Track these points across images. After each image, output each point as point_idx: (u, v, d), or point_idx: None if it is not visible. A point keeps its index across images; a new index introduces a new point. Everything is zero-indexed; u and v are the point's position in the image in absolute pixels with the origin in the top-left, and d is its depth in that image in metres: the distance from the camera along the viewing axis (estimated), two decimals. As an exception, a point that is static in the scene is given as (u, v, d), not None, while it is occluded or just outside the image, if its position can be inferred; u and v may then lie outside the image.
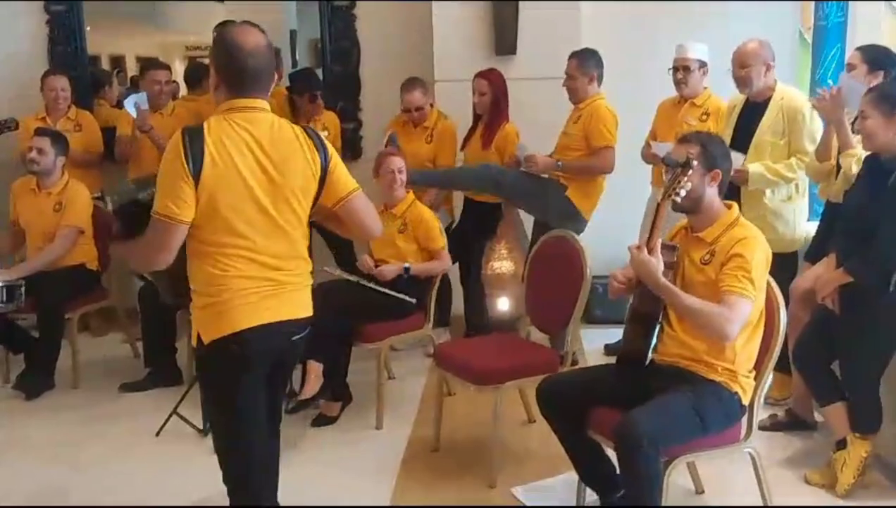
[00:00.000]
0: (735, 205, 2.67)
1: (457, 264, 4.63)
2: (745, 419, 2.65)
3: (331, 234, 4.37)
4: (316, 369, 3.60)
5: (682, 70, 4.16)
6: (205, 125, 2.15)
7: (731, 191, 3.73)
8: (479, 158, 4.49)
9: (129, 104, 4.56)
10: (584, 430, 2.69)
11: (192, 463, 3.38)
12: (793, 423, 3.54)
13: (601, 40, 4.67)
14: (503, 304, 4.53)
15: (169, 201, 2.09)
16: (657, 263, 2.51)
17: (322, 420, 3.75)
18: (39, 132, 4.35)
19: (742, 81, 3.74)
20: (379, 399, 3.74)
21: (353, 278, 3.84)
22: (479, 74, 4.51)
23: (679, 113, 4.25)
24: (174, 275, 2.39)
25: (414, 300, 3.76)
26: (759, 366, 2.63)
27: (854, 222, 2.97)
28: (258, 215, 2.17)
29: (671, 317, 2.64)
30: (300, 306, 2.30)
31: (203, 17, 5.45)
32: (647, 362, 2.65)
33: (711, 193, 2.59)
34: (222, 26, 2.32)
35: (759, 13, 4.89)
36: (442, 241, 3.90)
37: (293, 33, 5.53)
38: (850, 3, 4.23)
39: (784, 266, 3.42)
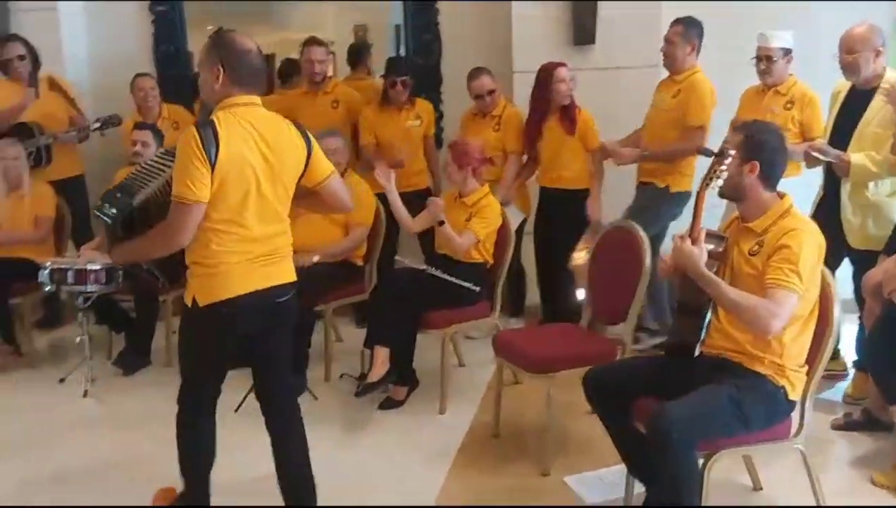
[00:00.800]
0: (788, 196, 2.60)
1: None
2: (796, 415, 2.59)
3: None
4: (383, 354, 3.72)
5: (764, 60, 4.04)
6: (215, 119, 2.46)
7: (833, 187, 3.67)
8: (562, 145, 4.48)
9: None
10: (629, 420, 2.69)
11: (266, 438, 3.55)
12: (867, 423, 3.41)
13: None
14: (580, 294, 4.53)
15: (189, 184, 2.38)
16: (700, 253, 2.49)
17: (389, 404, 3.88)
18: (140, 126, 4.66)
19: (849, 68, 3.59)
20: (443, 385, 3.83)
21: (420, 266, 3.95)
22: (559, 65, 4.49)
23: (763, 101, 4.13)
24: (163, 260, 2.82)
25: (478, 289, 3.83)
26: (811, 361, 2.56)
27: None
28: (258, 198, 2.49)
29: (719, 309, 2.60)
30: (285, 272, 2.64)
31: (316, 16, 5.68)
32: (696, 353, 2.63)
33: (751, 182, 2.54)
34: (222, 32, 2.60)
35: (854, 4, 4.65)
36: (481, 230, 3.89)
37: (398, 28, 5.67)
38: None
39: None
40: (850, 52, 3.54)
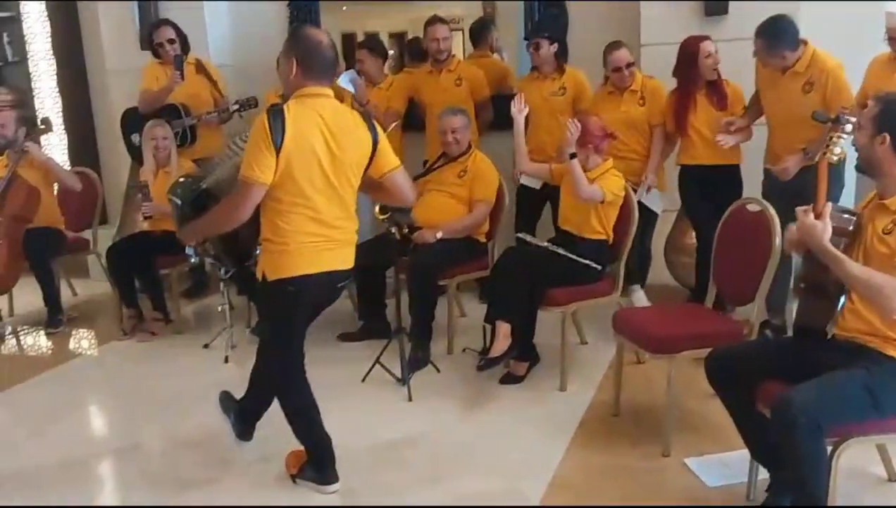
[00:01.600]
0: (932, 172, 2.44)
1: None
2: (933, 405, 2.44)
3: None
4: (505, 329, 3.74)
5: (894, 40, 3.77)
6: (285, 107, 2.66)
7: None
8: (716, 122, 4.31)
9: (345, 81, 4.96)
10: (753, 404, 2.61)
11: (389, 407, 3.72)
12: None
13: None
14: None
15: (255, 166, 2.63)
16: (824, 227, 2.38)
17: (509, 379, 3.92)
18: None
19: None
20: (563, 362, 3.83)
21: (543, 244, 3.96)
22: (703, 38, 4.34)
23: (892, 72, 3.86)
24: (229, 244, 3.33)
25: (599, 267, 3.80)
26: (949, 347, 2.40)
27: None
28: (323, 182, 2.71)
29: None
30: (347, 259, 2.87)
31: None
32: (829, 336, 2.52)
33: (884, 155, 2.40)
34: (299, 27, 2.88)
35: None
36: (608, 191, 3.83)
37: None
38: None
39: None
40: None
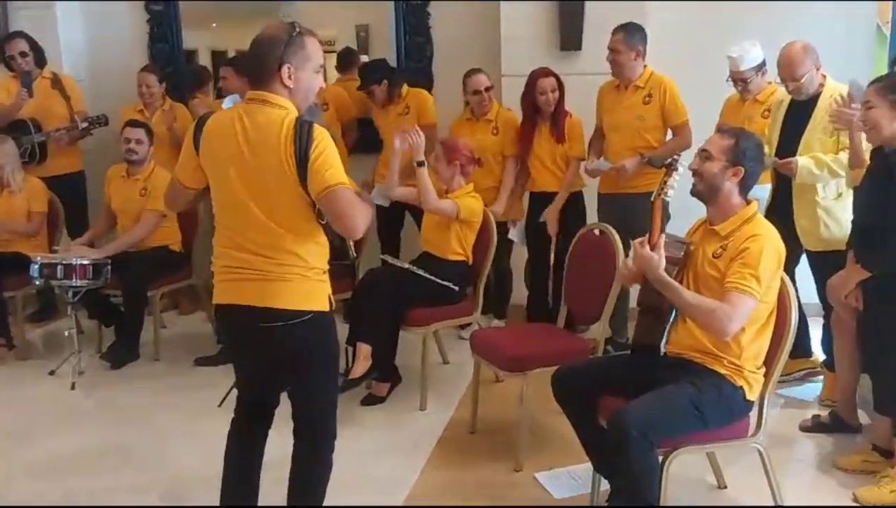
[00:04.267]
0: (755, 202, 2.68)
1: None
2: (754, 415, 2.66)
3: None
4: (364, 350, 3.78)
5: (740, 82, 4.12)
6: (215, 113, 2.44)
7: (785, 191, 3.74)
8: (553, 153, 4.55)
9: (228, 103, 4.89)
10: (594, 418, 2.76)
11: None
12: (836, 425, 3.48)
13: (669, 33, 4.70)
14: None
15: (178, 164, 2.49)
16: (658, 258, 2.57)
17: (371, 400, 3.95)
18: (132, 123, 4.74)
19: (798, 90, 3.65)
20: (423, 382, 3.90)
21: (405, 265, 4.03)
22: (547, 73, 4.54)
23: (742, 110, 4.20)
24: None
25: (457, 288, 3.91)
26: (768, 363, 2.63)
27: (865, 217, 2.95)
28: (236, 201, 2.32)
29: (682, 310, 2.68)
30: (277, 296, 2.33)
31: (319, 15, 5.75)
32: (661, 353, 2.71)
33: (730, 186, 2.62)
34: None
35: (837, 7, 4.74)
36: (463, 207, 3.93)
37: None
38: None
39: (837, 264, 3.37)
40: (795, 80, 3.60)
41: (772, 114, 3.96)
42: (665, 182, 2.63)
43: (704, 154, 2.65)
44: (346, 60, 5.68)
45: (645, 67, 4.35)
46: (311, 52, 2.37)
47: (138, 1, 5.77)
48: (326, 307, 2.43)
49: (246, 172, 2.30)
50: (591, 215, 4.60)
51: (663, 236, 2.66)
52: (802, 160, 3.59)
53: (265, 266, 2.33)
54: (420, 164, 3.92)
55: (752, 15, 4.79)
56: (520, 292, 4.98)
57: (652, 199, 2.67)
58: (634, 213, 3.91)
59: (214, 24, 6.03)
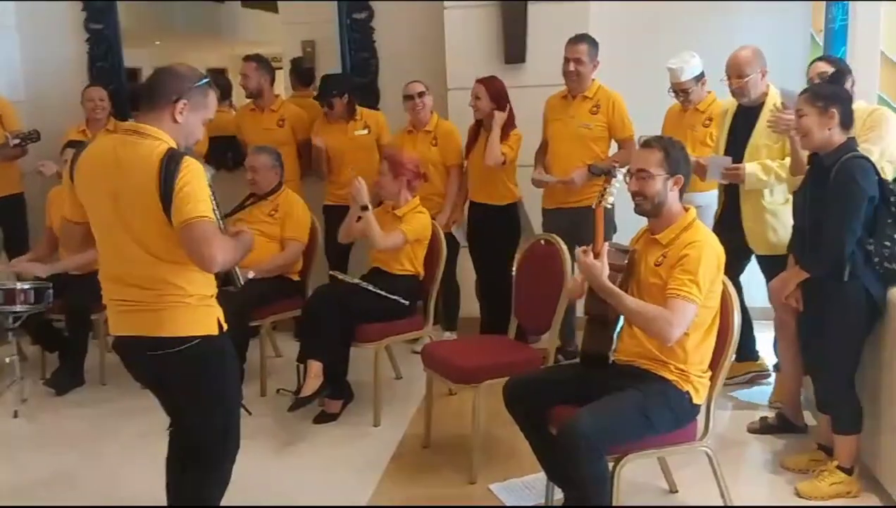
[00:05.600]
0: (693, 209, 2.73)
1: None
2: (701, 419, 2.71)
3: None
4: (315, 368, 3.75)
5: (681, 93, 4.21)
6: (91, 143, 2.46)
7: (733, 196, 3.82)
8: (486, 166, 4.55)
9: None
10: (546, 428, 2.77)
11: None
12: (782, 426, 3.55)
13: (609, 46, 4.78)
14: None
15: (64, 205, 2.47)
16: (602, 267, 2.60)
17: (324, 418, 3.92)
18: (71, 144, 4.63)
19: (740, 92, 3.75)
20: (376, 397, 3.89)
21: (355, 280, 4.01)
22: (478, 81, 4.58)
23: (684, 119, 4.29)
24: None
25: (407, 303, 3.90)
26: (713, 366, 2.68)
27: (803, 220, 3.03)
28: (112, 233, 2.35)
29: (628, 318, 2.72)
30: (160, 325, 2.35)
31: (265, 31, 5.74)
32: (610, 360, 2.74)
33: (673, 197, 2.67)
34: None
35: (772, 16, 4.88)
36: (410, 232, 3.94)
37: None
38: (851, 3, 4.19)
39: (785, 267, 3.45)
40: (741, 77, 3.70)
41: (718, 122, 4.05)
42: (605, 190, 2.66)
43: (643, 174, 2.65)
44: (304, 75, 5.64)
45: (593, 80, 4.40)
46: (209, 103, 2.45)
47: (82, 11, 5.66)
48: (215, 331, 2.43)
49: (120, 203, 2.32)
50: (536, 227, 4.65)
51: (607, 244, 2.69)
52: (750, 167, 3.67)
53: (145, 297, 2.34)
54: (364, 208, 3.87)
55: (691, 25, 4.91)
56: (473, 305, 5.00)
57: (593, 207, 2.70)
58: (586, 225, 3.92)
59: (158, 42, 5.97)
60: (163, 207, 2.25)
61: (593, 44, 4.34)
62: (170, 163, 2.26)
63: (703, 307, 2.57)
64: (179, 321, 2.36)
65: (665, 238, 2.67)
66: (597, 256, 2.63)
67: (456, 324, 4.96)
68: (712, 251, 2.59)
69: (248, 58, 5.01)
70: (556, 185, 4.40)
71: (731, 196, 3.88)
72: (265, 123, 4.99)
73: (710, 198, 4.16)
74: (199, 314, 2.40)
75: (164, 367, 2.40)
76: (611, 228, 4.19)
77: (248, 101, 5.12)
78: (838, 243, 2.85)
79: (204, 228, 2.26)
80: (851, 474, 3.01)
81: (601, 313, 2.71)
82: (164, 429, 3.73)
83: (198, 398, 2.48)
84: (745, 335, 4.08)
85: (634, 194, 2.69)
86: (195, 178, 2.28)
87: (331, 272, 4.25)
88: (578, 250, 2.67)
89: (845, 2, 4.30)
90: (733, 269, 3.60)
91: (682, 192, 2.69)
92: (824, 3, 4.63)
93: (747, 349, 4.14)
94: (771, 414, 3.64)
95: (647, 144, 2.74)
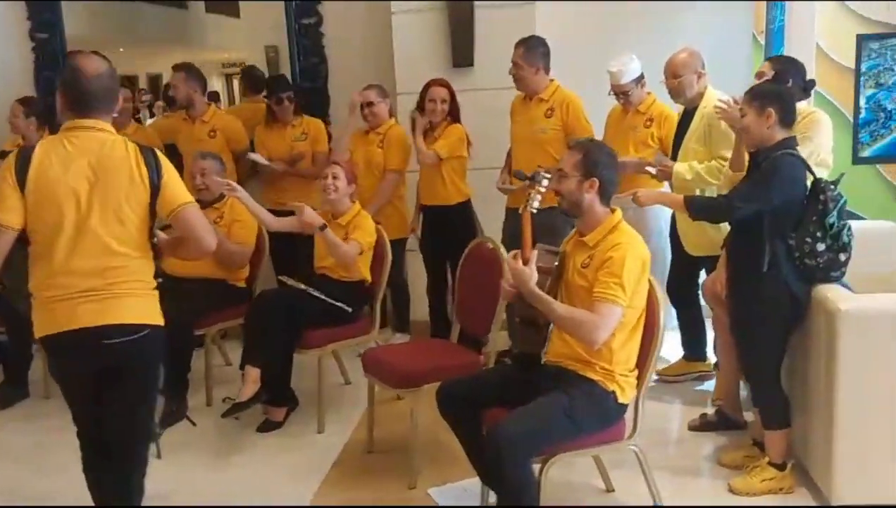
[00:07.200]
0: (619, 211, 2.74)
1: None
2: (629, 418, 2.72)
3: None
4: (253, 374, 3.72)
5: (622, 95, 4.23)
6: (38, 144, 2.44)
7: None
8: (440, 167, 4.55)
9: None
10: (479, 431, 2.78)
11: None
12: (722, 422, 3.58)
13: (555, 49, 4.81)
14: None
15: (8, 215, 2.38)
16: (530, 272, 2.61)
17: (268, 426, 3.88)
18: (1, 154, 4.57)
19: (675, 91, 3.82)
20: (320, 404, 3.87)
21: (300, 286, 3.97)
22: (441, 83, 4.60)
23: (626, 120, 4.32)
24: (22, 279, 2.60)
25: (350, 308, 3.88)
26: (640, 365, 2.70)
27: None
28: (79, 230, 2.39)
29: (558, 320, 2.72)
30: (116, 312, 2.42)
31: (230, 38, 5.72)
32: (542, 362, 2.75)
33: (590, 198, 2.68)
34: (70, 55, 2.55)
35: (715, 16, 4.93)
36: (364, 240, 3.93)
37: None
38: (788, 3, 4.25)
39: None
40: (675, 77, 3.76)
41: (661, 123, 4.11)
42: (529, 195, 2.67)
43: (560, 173, 2.69)
44: (255, 82, 5.59)
45: (551, 81, 4.37)
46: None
47: (27, 20, 5.57)
48: (162, 322, 2.54)
49: (94, 195, 2.38)
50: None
51: (535, 249, 2.70)
52: (677, 166, 3.72)
53: (107, 286, 2.40)
54: (322, 228, 3.83)
55: (636, 28, 4.94)
56: (425, 308, 4.99)
57: (520, 212, 2.71)
58: (541, 227, 3.93)
59: (122, 49, 5.90)
60: (150, 195, 2.44)
61: (532, 47, 4.32)
62: (148, 154, 2.47)
63: (629, 308, 2.59)
64: (138, 308, 2.47)
65: (592, 240, 2.68)
66: (526, 261, 2.63)
67: (407, 326, 4.95)
68: (636, 253, 2.60)
69: (176, 67, 4.96)
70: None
71: None
72: (197, 133, 4.91)
73: None
74: (153, 304, 2.53)
75: (110, 354, 2.44)
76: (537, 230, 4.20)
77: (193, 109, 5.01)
78: (731, 201, 2.93)
79: (197, 210, 2.56)
80: (784, 469, 3.04)
81: (530, 317, 2.72)
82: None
83: (144, 388, 2.58)
84: (697, 337, 4.15)
85: (555, 193, 2.72)
86: (171, 167, 2.53)
87: (279, 277, 4.22)
88: (508, 255, 2.68)
89: (783, 2, 4.37)
90: (690, 266, 3.66)
91: (603, 195, 2.69)
92: (765, 3, 4.69)
93: (698, 350, 4.18)
94: (711, 411, 3.67)
95: (571, 145, 2.78)
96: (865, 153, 5.28)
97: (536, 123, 4.36)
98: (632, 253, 2.58)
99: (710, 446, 3.50)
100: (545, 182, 2.70)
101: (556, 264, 2.74)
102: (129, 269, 2.44)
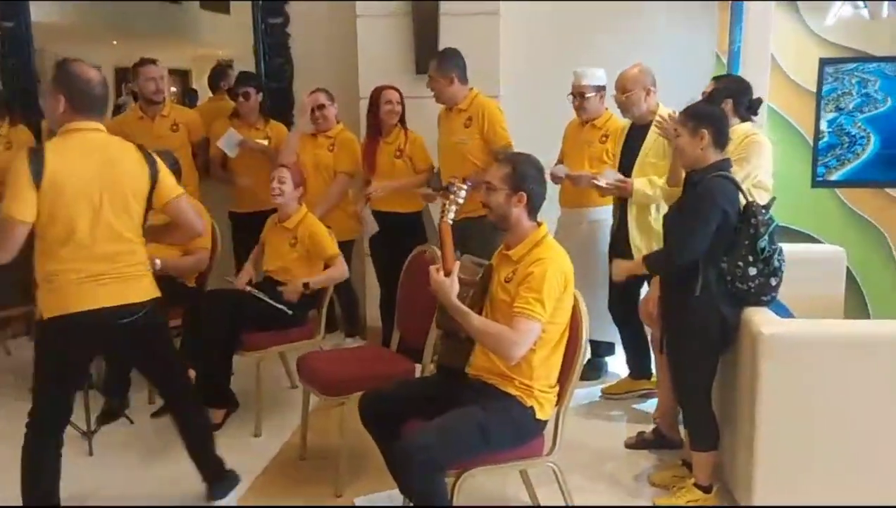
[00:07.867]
0: (545, 224, 2.72)
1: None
2: (548, 434, 2.70)
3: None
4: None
5: (578, 97, 4.22)
6: (46, 145, 2.68)
7: (623, 211, 3.85)
8: (393, 170, 4.56)
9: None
10: (398, 441, 2.74)
11: (64, 463, 3.48)
12: (657, 441, 3.57)
13: (520, 58, 4.81)
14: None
15: (16, 205, 2.58)
16: (451, 283, 2.58)
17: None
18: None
19: (623, 106, 3.82)
20: (258, 407, 3.84)
21: (245, 287, 3.94)
22: (390, 87, 4.60)
23: (581, 135, 4.31)
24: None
25: (290, 312, 3.84)
26: (562, 381, 2.67)
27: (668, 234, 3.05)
28: (95, 219, 2.67)
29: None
30: (128, 293, 2.78)
31: (224, 34, 5.75)
32: (465, 375, 2.72)
33: (518, 212, 2.66)
34: (66, 62, 2.76)
35: (680, 36, 4.94)
36: (334, 249, 3.95)
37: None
38: (745, 17, 4.26)
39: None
40: (624, 92, 3.77)
41: (616, 138, 4.08)
42: (444, 206, 2.65)
43: (488, 186, 2.67)
44: (216, 80, 5.63)
45: (471, 90, 4.37)
46: None
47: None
48: (159, 293, 2.92)
49: (104, 190, 2.68)
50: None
51: (465, 257, 2.68)
52: (637, 182, 3.70)
53: (117, 269, 2.74)
54: (306, 285, 3.85)
55: (599, 36, 4.94)
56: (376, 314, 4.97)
57: (437, 224, 2.69)
58: (471, 237, 3.91)
59: (115, 42, 5.86)
60: (149, 189, 2.78)
61: (445, 59, 4.31)
62: (146, 152, 2.83)
63: (550, 324, 2.57)
64: (147, 287, 2.86)
65: (516, 254, 2.66)
66: (448, 273, 2.61)
67: (357, 330, 4.93)
68: (558, 268, 2.58)
69: (145, 61, 4.86)
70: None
71: (622, 212, 3.91)
72: (157, 130, 4.80)
73: (605, 213, 4.19)
74: (153, 280, 2.92)
75: (131, 333, 2.80)
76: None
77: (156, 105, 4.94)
78: (681, 247, 2.88)
79: (188, 200, 2.95)
80: (709, 492, 3.02)
81: (452, 329, 2.69)
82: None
83: (167, 340, 3.06)
84: (640, 354, 4.14)
85: (483, 205, 2.69)
86: (162, 163, 2.88)
87: (227, 278, 4.19)
88: (431, 268, 2.66)
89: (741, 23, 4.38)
90: (631, 284, 3.64)
91: (531, 209, 2.67)
92: (728, 23, 4.70)
93: (642, 368, 4.16)
94: (648, 430, 3.65)
95: (499, 158, 2.77)
96: (833, 177, 5.29)
97: (456, 134, 4.35)
98: (553, 268, 2.56)
99: (645, 464, 3.48)
100: (462, 193, 2.67)
101: (480, 276, 2.71)
102: (136, 253, 2.80)
